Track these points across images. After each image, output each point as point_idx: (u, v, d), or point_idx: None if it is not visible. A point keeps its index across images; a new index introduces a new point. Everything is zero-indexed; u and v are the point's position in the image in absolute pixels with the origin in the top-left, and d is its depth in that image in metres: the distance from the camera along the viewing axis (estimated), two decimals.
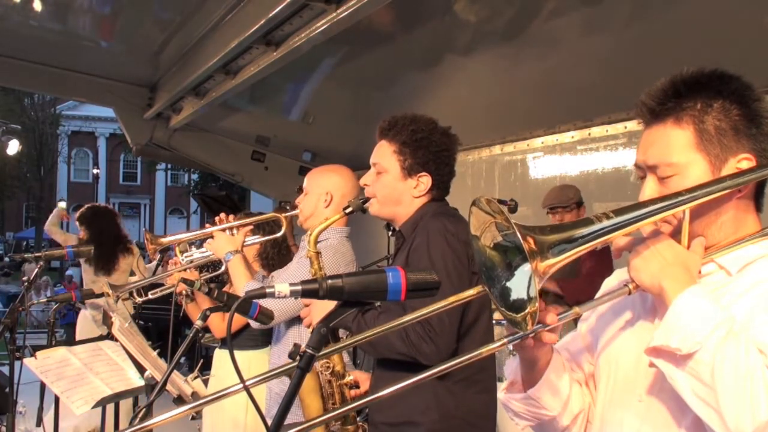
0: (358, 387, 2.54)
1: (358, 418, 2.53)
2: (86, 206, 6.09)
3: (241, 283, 2.88)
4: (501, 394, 1.52)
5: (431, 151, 2.34)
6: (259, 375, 1.39)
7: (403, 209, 2.39)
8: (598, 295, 1.41)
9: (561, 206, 4.64)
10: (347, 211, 2.47)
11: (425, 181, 2.35)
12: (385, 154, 2.38)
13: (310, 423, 1.27)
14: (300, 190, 3.08)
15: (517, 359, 1.47)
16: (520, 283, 1.20)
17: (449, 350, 2.14)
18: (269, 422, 1.22)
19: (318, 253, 2.55)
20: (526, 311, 1.19)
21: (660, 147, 1.33)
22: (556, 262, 1.18)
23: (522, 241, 1.15)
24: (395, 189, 2.37)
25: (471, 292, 1.36)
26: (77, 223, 6.00)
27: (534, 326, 1.20)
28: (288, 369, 1.28)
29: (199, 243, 3.34)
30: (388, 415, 2.28)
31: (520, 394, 1.46)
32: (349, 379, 2.52)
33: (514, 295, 1.22)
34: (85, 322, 5.86)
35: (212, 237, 3.03)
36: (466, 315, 2.24)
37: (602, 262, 4.10)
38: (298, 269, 2.86)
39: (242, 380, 1.23)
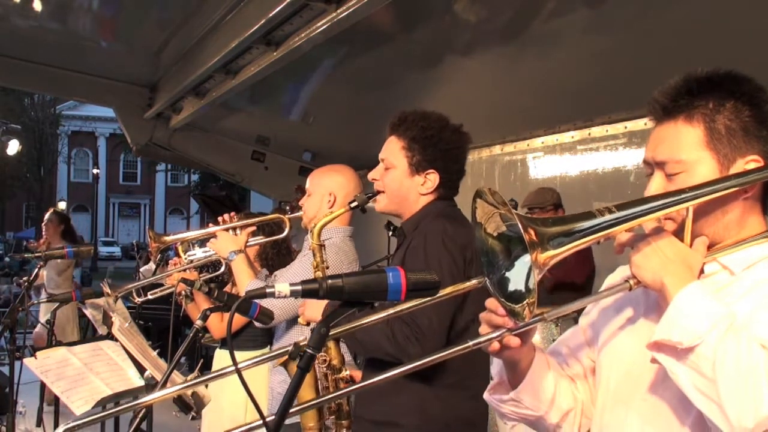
0: (354, 383, 2.54)
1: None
2: (52, 211, 7.18)
3: (245, 282, 2.88)
4: (486, 395, 1.52)
5: (440, 149, 2.31)
6: (252, 358, 1.38)
7: (409, 206, 2.37)
8: (600, 290, 1.41)
9: (538, 207, 4.69)
10: (352, 205, 2.45)
11: (432, 178, 2.33)
12: (393, 150, 2.36)
13: (302, 406, 1.27)
14: (298, 189, 3.08)
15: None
16: (520, 274, 1.22)
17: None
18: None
19: (321, 246, 2.52)
20: (525, 302, 1.20)
21: (670, 144, 1.34)
22: (556, 254, 1.19)
23: (523, 231, 1.16)
24: (402, 185, 2.35)
25: (473, 282, 1.37)
26: (52, 216, 6.98)
27: (531, 318, 1.21)
28: (281, 353, 1.28)
29: (201, 242, 3.34)
30: (373, 412, 2.27)
31: (504, 395, 1.47)
32: (344, 374, 2.51)
33: (512, 286, 1.23)
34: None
35: (215, 236, 3.03)
36: (457, 319, 2.20)
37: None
38: (300, 269, 2.86)
39: (239, 373, 1.22)
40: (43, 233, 6.95)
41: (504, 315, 1.29)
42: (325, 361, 2.50)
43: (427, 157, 2.31)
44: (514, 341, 1.32)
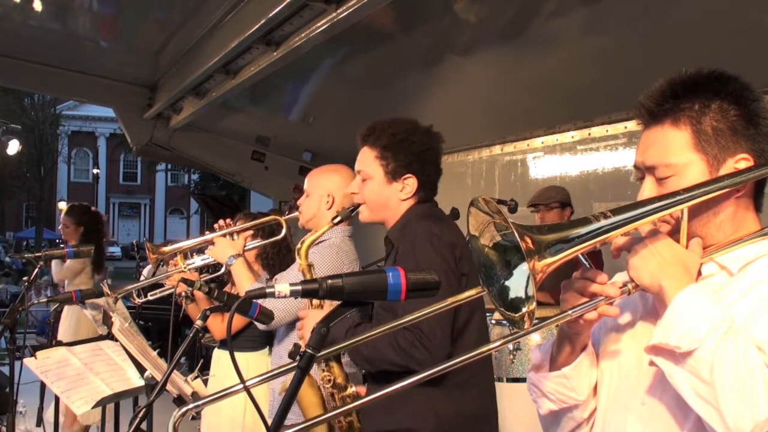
0: (361, 398, 2.51)
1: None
2: (78, 204, 5.97)
3: (245, 286, 2.87)
4: (531, 374, 1.49)
5: (413, 152, 2.31)
6: (260, 375, 1.38)
7: (391, 213, 2.36)
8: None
9: (542, 204, 4.69)
10: (336, 221, 2.46)
11: (411, 183, 2.32)
12: (367, 161, 2.36)
13: (309, 422, 1.27)
14: (296, 189, 3.09)
15: (551, 341, 1.45)
16: (518, 283, 1.21)
17: (443, 355, 2.09)
18: (269, 422, 1.22)
19: (310, 266, 2.51)
20: (524, 310, 1.19)
21: (658, 148, 1.34)
22: (553, 261, 1.18)
23: (519, 240, 1.16)
24: (381, 194, 2.34)
25: (471, 293, 1.36)
26: (65, 217, 5.81)
27: (531, 326, 1.20)
28: (289, 368, 1.28)
29: (199, 250, 3.36)
30: (383, 423, 2.23)
31: (553, 372, 1.43)
32: (351, 390, 2.47)
33: (512, 294, 1.22)
34: (70, 322, 5.45)
35: (213, 243, 3.03)
36: (456, 318, 2.19)
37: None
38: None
39: (242, 381, 1.23)
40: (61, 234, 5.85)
41: (603, 282, 1.27)
42: (329, 380, 2.45)
43: (401, 162, 2.31)
44: (613, 311, 1.29)
